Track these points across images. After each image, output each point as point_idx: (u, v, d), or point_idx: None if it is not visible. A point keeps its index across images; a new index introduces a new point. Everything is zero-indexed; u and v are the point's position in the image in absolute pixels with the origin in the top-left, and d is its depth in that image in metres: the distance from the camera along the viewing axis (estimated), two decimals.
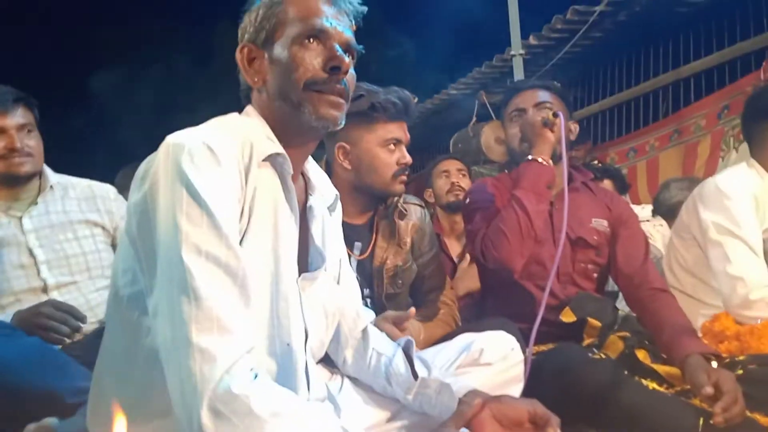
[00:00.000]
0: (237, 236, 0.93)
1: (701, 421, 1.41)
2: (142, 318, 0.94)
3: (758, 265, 1.76)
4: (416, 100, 1.82)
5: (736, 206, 1.80)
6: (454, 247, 2.90)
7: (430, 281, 1.96)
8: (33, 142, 1.86)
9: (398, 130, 1.74)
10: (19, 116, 1.83)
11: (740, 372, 1.49)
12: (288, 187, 1.05)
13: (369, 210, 1.83)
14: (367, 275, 1.80)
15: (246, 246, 0.96)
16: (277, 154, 1.03)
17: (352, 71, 1.09)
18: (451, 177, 3.00)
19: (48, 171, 1.94)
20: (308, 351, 1.08)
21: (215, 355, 0.83)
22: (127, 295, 0.97)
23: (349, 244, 1.74)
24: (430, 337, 1.74)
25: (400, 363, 1.22)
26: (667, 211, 2.89)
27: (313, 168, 1.18)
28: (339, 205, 1.26)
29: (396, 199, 1.83)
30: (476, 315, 2.08)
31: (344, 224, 1.72)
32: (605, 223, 1.87)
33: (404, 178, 1.77)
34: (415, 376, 1.18)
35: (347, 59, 1.06)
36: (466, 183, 2.97)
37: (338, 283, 1.21)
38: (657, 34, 4.91)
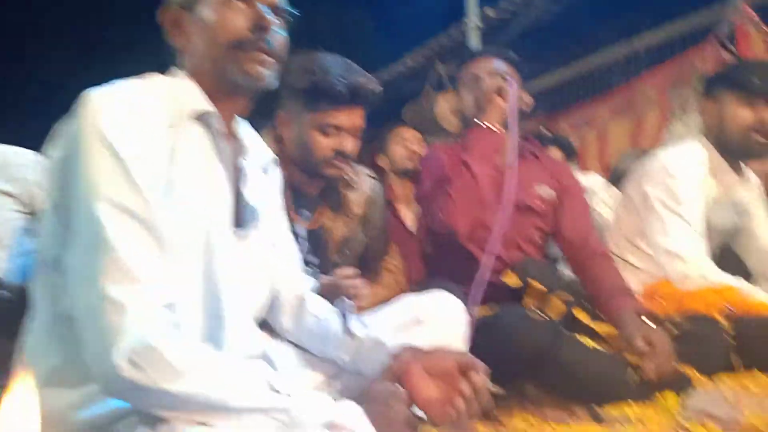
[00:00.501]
0: (156, 190, 0.90)
1: (635, 376, 1.46)
2: (62, 279, 0.91)
3: (696, 242, 1.80)
4: (378, 89, 1.69)
5: (678, 183, 1.84)
6: (407, 214, 2.90)
7: (374, 247, 1.95)
8: None
9: (342, 117, 1.63)
10: None
11: (675, 332, 1.54)
12: (219, 145, 1.04)
13: (312, 176, 1.77)
14: (315, 244, 1.78)
15: (173, 200, 0.93)
16: (208, 111, 1.02)
17: (281, 33, 1.07)
18: (412, 145, 3.00)
19: None
20: (240, 306, 1.07)
21: (128, 305, 0.81)
22: (51, 258, 0.94)
23: (298, 211, 1.72)
24: (372, 301, 1.74)
25: (335, 324, 1.23)
26: (619, 181, 2.95)
27: (245, 130, 1.16)
28: (277, 169, 1.24)
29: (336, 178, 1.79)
30: (423, 280, 2.09)
31: (295, 191, 1.71)
32: (551, 190, 1.90)
33: (338, 164, 1.68)
34: (351, 335, 1.18)
35: (273, 19, 1.04)
36: (420, 150, 2.98)
37: (274, 245, 1.20)
38: (611, 6, 4.96)
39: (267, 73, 1.05)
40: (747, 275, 2.06)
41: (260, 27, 1.03)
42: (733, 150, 1.85)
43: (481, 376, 1.04)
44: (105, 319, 0.81)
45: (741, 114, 1.81)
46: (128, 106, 0.91)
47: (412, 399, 1.04)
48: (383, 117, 3.57)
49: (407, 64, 6.46)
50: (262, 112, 1.27)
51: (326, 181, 1.80)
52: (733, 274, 1.96)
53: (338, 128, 1.63)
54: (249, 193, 1.11)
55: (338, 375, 1.24)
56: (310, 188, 1.77)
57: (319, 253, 1.79)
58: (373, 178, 1.95)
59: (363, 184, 1.88)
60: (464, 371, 1.04)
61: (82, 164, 0.87)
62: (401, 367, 1.05)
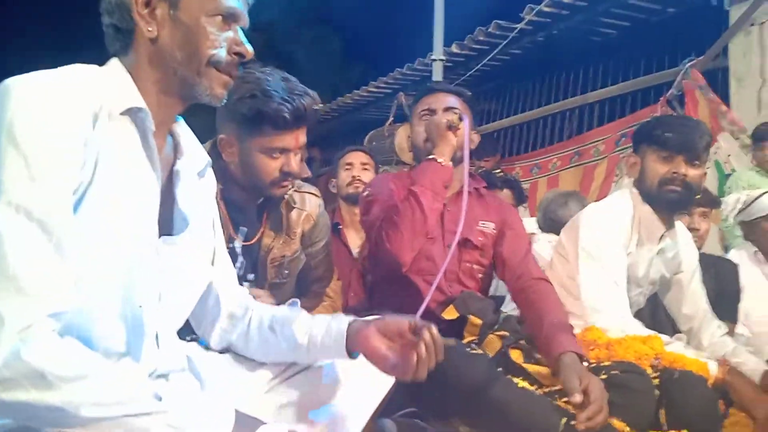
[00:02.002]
0: (65, 191, 0.85)
1: (563, 422, 1.48)
2: None
3: (617, 294, 1.86)
4: (319, 106, 1.70)
5: (603, 235, 1.90)
6: (354, 239, 2.90)
7: (316, 271, 1.94)
8: None
9: (288, 139, 1.59)
10: None
11: (604, 376, 1.57)
12: (149, 144, 0.98)
13: (258, 196, 1.74)
14: (253, 261, 1.74)
15: (89, 201, 0.89)
16: (138, 108, 0.97)
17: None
18: (353, 170, 3.02)
19: None
20: (162, 315, 1.03)
21: (5, 317, 0.77)
22: None
23: (236, 227, 1.69)
24: None
25: (283, 311, 1.22)
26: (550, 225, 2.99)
27: (184, 131, 1.13)
28: (211, 173, 1.20)
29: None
30: (364, 308, 2.08)
31: (233, 205, 1.67)
32: (492, 225, 1.94)
33: (285, 184, 1.66)
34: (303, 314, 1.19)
35: (251, 49, 1.05)
36: (367, 177, 2.99)
37: (214, 257, 1.17)
38: (570, 58, 5.15)
39: (225, 95, 1.05)
40: (675, 330, 2.13)
41: (238, 52, 1.03)
42: (656, 201, 1.93)
43: (434, 331, 1.09)
44: None
45: (657, 167, 1.90)
46: (44, 99, 0.85)
47: (371, 359, 1.10)
48: (345, 142, 3.59)
49: (371, 91, 6.53)
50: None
51: (267, 198, 1.77)
52: (663, 326, 2.04)
53: (284, 150, 1.61)
54: (182, 198, 1.07)
55: (280, 377, 1.21)
56: (248, 204, 1.74)
57: (256, 271, 1.75)
58: (317, 196, 1.93)
59: (305, 204, 1.87)
60: (416, 331, 1.09)
61: None
62: (358, 332, 1.11)
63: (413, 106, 2.03)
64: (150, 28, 0.99)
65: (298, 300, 1.25)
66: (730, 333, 2.14)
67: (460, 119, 1.81)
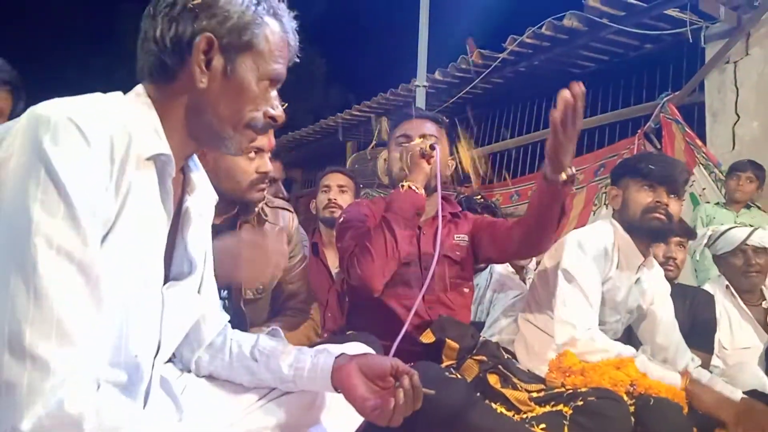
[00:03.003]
0: (99, 232, 0.82)
1: None
2: None
3: (589, 312, 1.90)
4: (285, 105, 1.73)
5: (582, 259, 1.94)
6: (333, 259, 2.88)
7: (291, 287, 1.92)
8: None
9: (262, 139, 1.63)
10: None
11: (580, 403, 1.57)
12: (166, 188, 0.94)
13: (228, 210, 1.74)
14: None
15: (109, 246, 0.85)
16: (162, 154, 0.92)
17: None
18: (330, 192, 3.00)
19: None
20: (155, 365, 1.00)
21: (50, 365, 0.74)
22: None
23: None
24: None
25: (267, 339, 1.19)
26: None
27: (195, 165, 1.09)
28: (212, 209, 1.17)
29: (259, 203, 1.78)
30: (341, 330, 2.06)
31: None
32: (465, 237, 1.97)
33: (263, 186, 1.70)
34: (285, 344, 1.18)
35: (283, 116, 1.06)
36: (344, 199, 2.98)
37: (199, 291, 1.12)
38: (551, 88, 5.23)
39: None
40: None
41: (272, 117, 1.03)
42: (637, 230, 1.98)
43: (414, 378, 1.08)
44: (25, 377, 0.73)
45: (640, 196, 1.96)
46: (76, 131, 0.81)
47: (349, 399, 1.08)
48: (327, 163, 3.60)
49: (354, 114, 6.57)
50: None
51: (240, 212, 1.76)
52: None
53: (259, 150, 1.66)
54: (189, 239, 1.04)
55: (261, 402, 1.18)
56: (216, 218, 1.72)
57: (230, 287, 1.73)
58: (290, 211, 1.93)
59: (279, 219, 1.86)
60: (399, 377, 1.08)
61: (17, 189, 0.78)
62: (341, 368, 1.10)
63: (391, 132, 2.06)
64: (203, 79, 0.95)
65: (278, 328, 1.23)
66: (706, 364, 2.16)
67: (432, 148, 1.83)
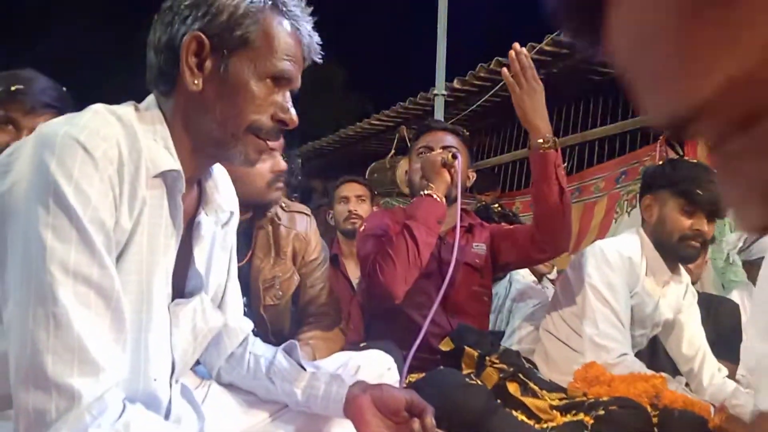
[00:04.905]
0: (113, 253, 0.82)
1: None
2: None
3: (622, 334, 1.86)
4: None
5: (611, 274, 1.90)
6: (353, 270, 2.89)
7: (312, 290, 1.92)
8: None
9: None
10: None
11: (602, 412, 1.55)
12: (176, 204, 0.92)
13: (245, 214, 1.74)
14: (244, 283, 1.74)
15: (122, 265, 0.84)
16: (172, 170, 0.90)
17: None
18: (349, 204, 3.00)
19: None
20: (173, 384, 1.00)
21: (74, 392, 0.74)
22: None
23: None
24: (321, 354, 1.70)
25: (282, 360, 1.18)
26: None
27: (214, 177, 1.06)
28: (236, 218, 1.15)
29: (274, 207, 1.79)
30: (362, 340, 2.06)
31: None
32: (483, 245, 2.02)
33: (280, 185, 1.72)
34: (303, 368, 1.15)
35: (295, 118, 0.97)
36: (363, 209, 2.98)
37: (219, 305, 1.12)
38: (570, 96, 5.22)
39: (260, 159, 1.00)
40: (676, 372, 2.11)
41: (282, 120, 0.96)
42: (669, 251, 1.93)
43: (429, 418, 1.05)
44: (49, 405, 0.73)
45: (680, 220, 1.87)
46: (83, 154, 0.79)
47: None
48: (347, 173, 3.61)
49: (374, 123, 6.59)
50: None
51: (256, 217, 1.77)
52: (663, 367, 2.02)
53: (271, 150, 1.66)
54: (199, 255, 1.01)
55: (279, 416, 1.19)
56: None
57: (249, 294, 1.74)
58: (306, 215, 1.93)
59: (295, 223, 1.87)
60: (413, 412, 1.05)
61: (28, 216, 0.77)
62: (354, 399, 1.06)
63: (412, 143, 2.11)
64: (195, 81, 0.91)
65: (296, 342, 1.24)
66: (732, 375, 2.12)
67: (454, 157, 1.87)
